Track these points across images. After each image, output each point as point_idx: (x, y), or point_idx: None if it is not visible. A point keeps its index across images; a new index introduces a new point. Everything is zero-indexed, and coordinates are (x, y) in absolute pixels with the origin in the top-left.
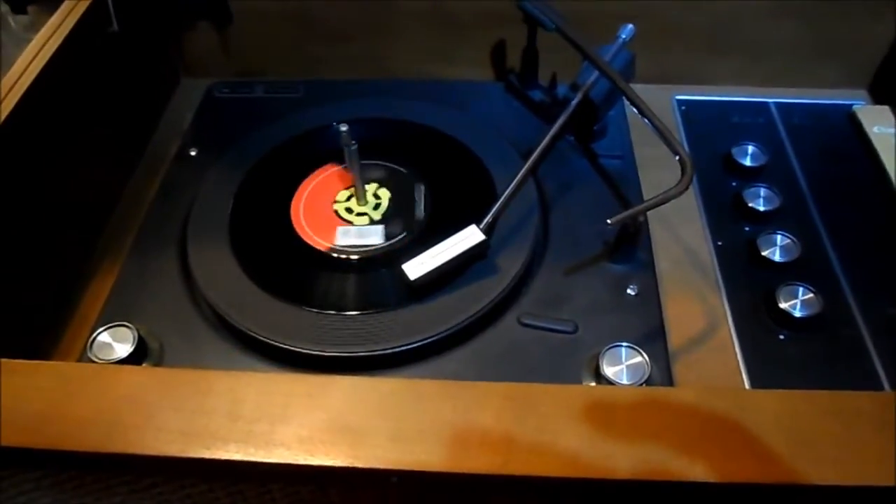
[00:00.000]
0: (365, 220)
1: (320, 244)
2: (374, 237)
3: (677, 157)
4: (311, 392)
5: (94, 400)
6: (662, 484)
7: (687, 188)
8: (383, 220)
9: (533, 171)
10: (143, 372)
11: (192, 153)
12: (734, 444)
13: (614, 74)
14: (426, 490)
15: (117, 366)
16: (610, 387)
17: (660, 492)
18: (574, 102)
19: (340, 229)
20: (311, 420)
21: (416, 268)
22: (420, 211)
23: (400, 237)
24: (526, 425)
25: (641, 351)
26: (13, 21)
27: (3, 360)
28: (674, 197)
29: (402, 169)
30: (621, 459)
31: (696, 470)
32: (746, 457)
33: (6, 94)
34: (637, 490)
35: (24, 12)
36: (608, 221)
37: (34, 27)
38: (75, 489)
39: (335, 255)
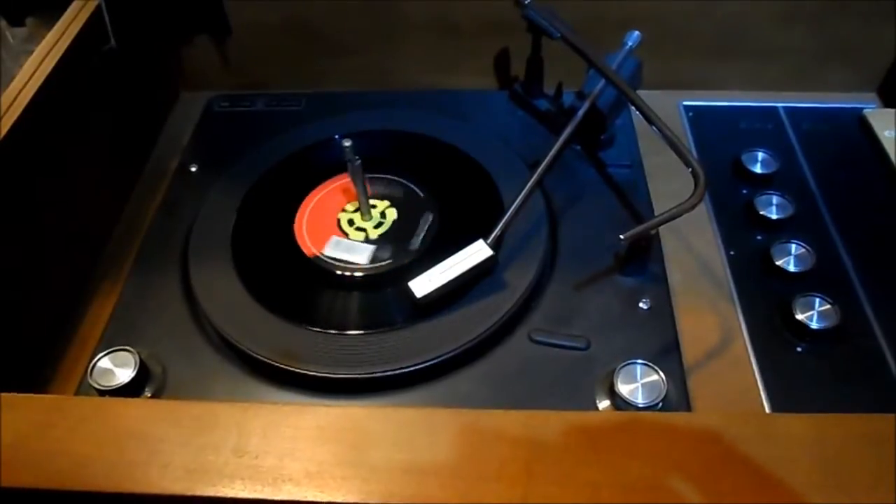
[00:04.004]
0: (361, 235)
1: (309, 250)
2: (360, 256)
3: (689, 170)
4: (320, 424)
5: (96, 436)
6: None
7: (700, 201)
8: (379, 240)
9: (540, 182)
10: (146, 405)
11: (193, 169)
12: (759, 473)
13: (621, 82)
14: None
15: (120, 399)
16: (631, 413)
17: None
18: (581, 111)
19: (333, 239)
20: (320, 454)
21: (423, 285)
22: (417, 241)
23: (384, 262)
24: (545, 456)
25: (657, 369)
26: (10, 35)
27: (2, 394)
28: (687, 210)
29: (413, 188)
30: (643, 491)
31: (718, 498)
32: (772, 487)
33: (5, 111)
34: None
35: (22, 24)
36: (621, 238)
37: (33, 39)
38: None
39: (322, 265)
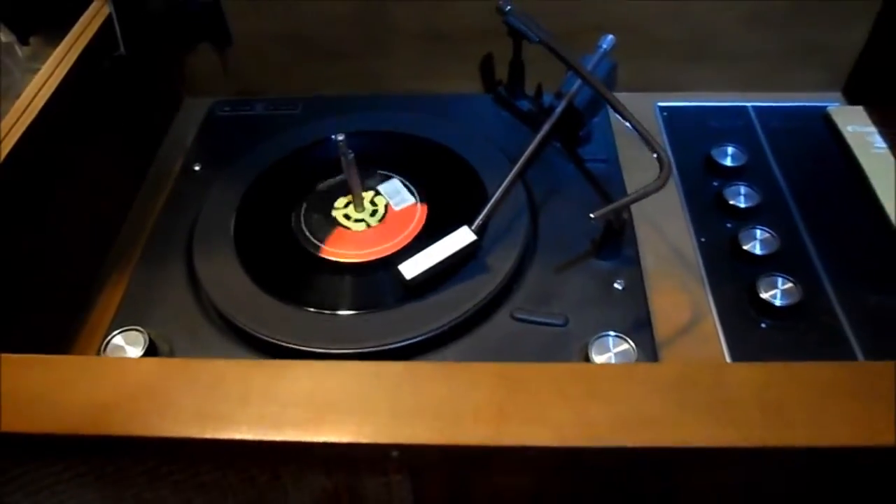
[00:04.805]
0: (362, 226)
1: (348, 255)
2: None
3: (655, 156)
4: (317, 377)
5: (114, 389)
6: (643, 450)
7: (665, 183)
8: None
9: (521, 174)
10: (159, 363)
11: (196, 168)
12: (712, 412)
13: (594, 80)
14: (425, 465)
15: (135, 358)
16: (595, 364)
17: (642, 457)
18: (559, 109)
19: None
20: (318, 402)
21: (412, 268)
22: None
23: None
24: (517, 400)
25: (628, 339)
26: (20, 50)
27: (27, 355)
28: (653, 192)
29: (404, 182)
30: (605, 429)
31: (675, 436)
32: (724, 424)
33: (22, 114)
34: (619, 455)
35: (27, 43)
36: (591, 216)
37: (37, 58)
38: (96, 480)
39: (375, 259)
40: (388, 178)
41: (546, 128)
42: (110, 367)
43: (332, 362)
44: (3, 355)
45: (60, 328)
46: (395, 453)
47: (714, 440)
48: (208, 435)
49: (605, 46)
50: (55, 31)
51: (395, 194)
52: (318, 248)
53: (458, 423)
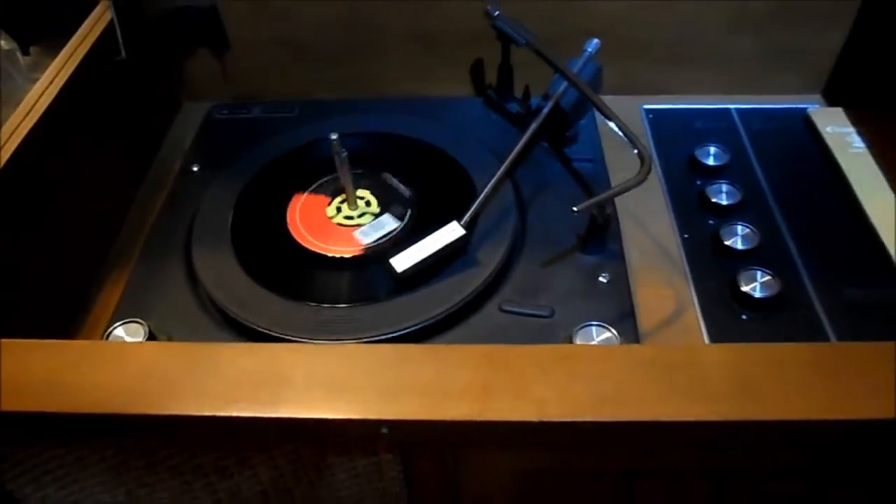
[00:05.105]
0: (355, 223)
1: (342, 251)
2: (390, 224)
3: (636, 151)
4: (309, 359)
5: (116, 371)
6: (621, 424)
7: (646, 178)
8: (381, 213)
9: (510, 172)
10: (159, 347)
11: (195, 169)
12: (686, 389)
13: (579, 81)
14: (413, 442)
15: (137, 342)
16: (576, 344)
17: (620, 431)
18: (545, 110)
19: (357, 233)
20: (311, 382)
21: (403, 261)
22: (405, 190)
23: (407, 215)
24: (501, 378)
25: (611, 328)
26: (21, 58)
27: (32, 340)
28: (634, 186)
29: (396, 181)
30: (585, 405)
31: (651, 411)
32: (697, 400)
33: (25, 116)
34: (599, 430)
35: (28, 53)
36: (574, 209)
37: (37, 68)
38: (98, 464)
39: (368, 254)
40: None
41: (533, 128)
42: (113, 351)
43: (324, 345)
44: (9, 340)
45: (62, 324)
46: (384, 429)
47: (687, 414)
48: (206, 412)
49: (590, 50)
50: (55, 42)
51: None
52: (312, 244)
53: (444, 400)
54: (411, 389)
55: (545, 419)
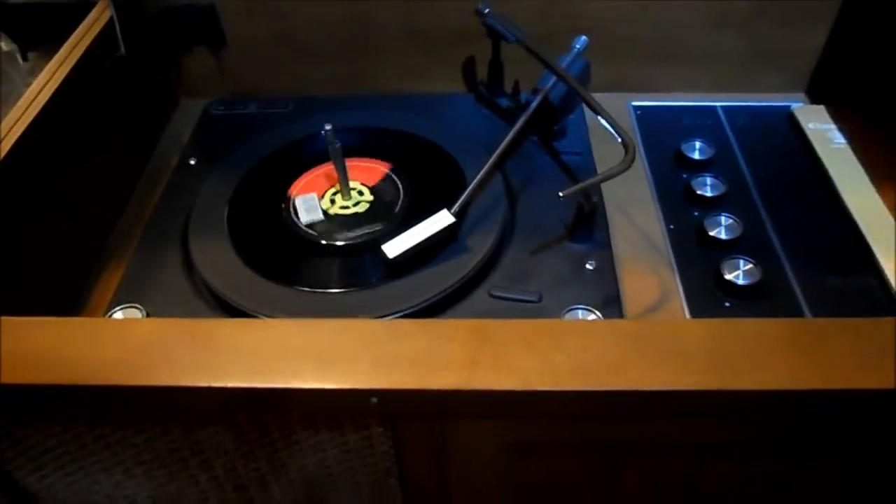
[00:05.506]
0: (349, 212)
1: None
2: (309, 216)
3: (621, 140)
4: (303, 333)
5: (116, 345)
6: (602, 393)
7: (630, 165)
8: (355, 217)
9: (499, 163)
10: (157, 323)
11: (192, 162)
12: (664, 360)
13: (567, 76)
14: (402, 413)
15: (134, 318)
16: (560, 320)
17: (601, 401)
18: (534, 104)
19: (309, 195)
20: (303, 354)
21: (395, 247)
22: (400, 200)
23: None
24: (487, 350)
25: (596, 311)
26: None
27: (34, 317)
28: (618, 173)
29: (391, 173)
30: (567, 375)
31: (630, 381)
32: (675, 370)
33: (25, 110)
34: (581, 399)
35: (26, 59)
36: (560, 194)
37: (34, 73)
38: (95, 441)
39: (322, 241)
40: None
41: (522, 120)
42: (111, 326)
43: (317, 320)
44: (9, 318)
45: (61, 312)
46: (374, 399)
47: (665, 384)
48: (202, 383)
49: (578, 46)
50: (53, 48)
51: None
52: (306, 232)
53: (432, 371)
54: (401, 360)
55: (529, 388)
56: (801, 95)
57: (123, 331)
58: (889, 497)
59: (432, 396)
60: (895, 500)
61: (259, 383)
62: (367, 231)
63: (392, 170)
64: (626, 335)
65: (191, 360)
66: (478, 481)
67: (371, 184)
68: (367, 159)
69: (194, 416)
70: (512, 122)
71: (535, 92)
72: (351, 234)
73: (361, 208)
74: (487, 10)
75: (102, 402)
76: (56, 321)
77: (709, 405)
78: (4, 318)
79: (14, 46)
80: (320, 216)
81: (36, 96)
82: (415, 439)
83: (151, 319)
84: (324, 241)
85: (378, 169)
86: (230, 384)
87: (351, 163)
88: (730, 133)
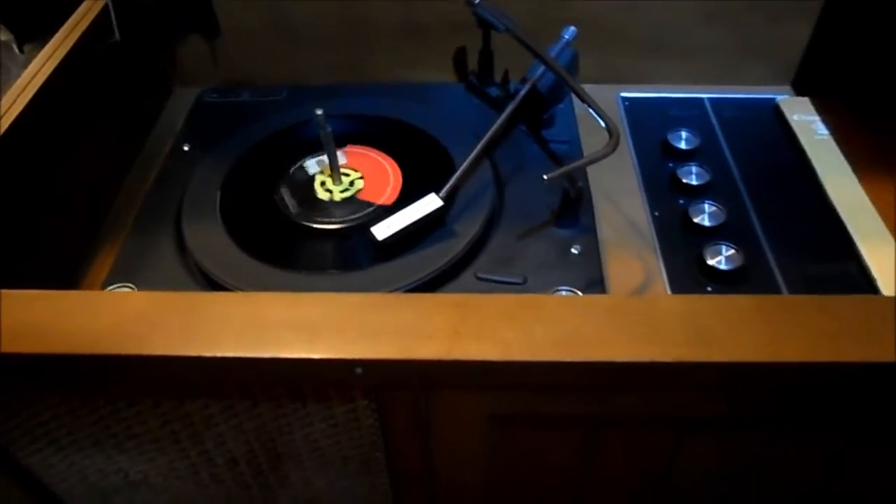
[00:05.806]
0: (327, 196)
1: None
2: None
3: (605, 126)
4: (290, 304)
5: (109, 317)
6: (579, 364)
7: (614, 150)
8: (341, 203)
9: (487, 150)
10: (149, 296)
11: (185, 148)
12: (641, 334)
13: (555, 64)
14: (387, 384)
15: (126, 292)
16: (541, 295)
17: (580, 371)
18: (522, 92)
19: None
20: (291, 325)
21: (383, 229)
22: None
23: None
24: (470, 323)
25: (580, 293)
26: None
27: (30, 290)
28: (602, 157)
29: (381, 159)
30: (547, 347)
31: (607, 352)
32: (650, 343)
33: (19, 94)
34: (560, 370)
35: (22, 51)
36: (544, 177)
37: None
38: (89, 414)
39: (312, 224)
40: None
41: (510, 108)
42: (106, 299)
43: (304, 294)
44: (9, 290)
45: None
46: (359, 370)
47: (640, 355)
48: (193, 353)
49: (567, 37)
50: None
51: None
52: (296, 215)
53: (416, 341)
54: (385, 332)
55: (509, 359)
56: (787, 88)
57: (118, 303)
58: (868, 469)
59: (416, 367)
60: (874, 471)
61: (247, 353)
62: (357, 215)
63: (386, 156)
64: (606, 309)
65: (182, 331)
66: (462, 454)
67: (363, 170)
68: (367, 148)
69: (185, 387)
70: (500, 110)
71: (524, 81)
72: (340, 218)
73: (347, 195)
74: (477, 0)
75: (97, 371)
76: (53, 294)
77: (687, 377)
78: (4, 291)
79: (11, 36)
80: None
81: (30, 81)
82: (399, 411)
83: (144, 293)
84: (314, 225)
85: (377, 160)
86: (219, 353)
87: (353, 150)
88: (716, 124)
